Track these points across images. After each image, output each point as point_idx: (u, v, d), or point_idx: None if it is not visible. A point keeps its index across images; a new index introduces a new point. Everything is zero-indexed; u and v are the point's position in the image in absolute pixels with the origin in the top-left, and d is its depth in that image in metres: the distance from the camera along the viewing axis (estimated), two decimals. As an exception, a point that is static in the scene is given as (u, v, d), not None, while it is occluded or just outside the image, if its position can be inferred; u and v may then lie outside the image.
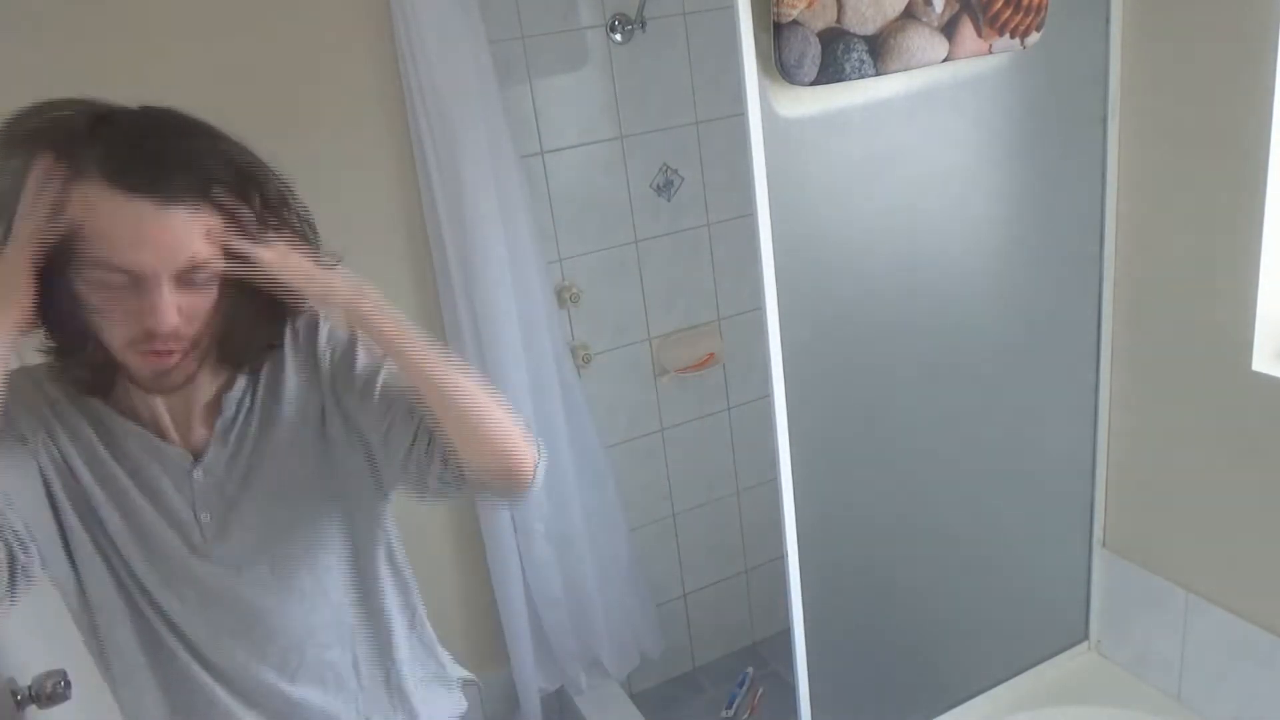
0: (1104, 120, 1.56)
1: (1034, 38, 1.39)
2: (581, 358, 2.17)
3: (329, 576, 1.05)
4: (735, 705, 2.43)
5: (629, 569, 2.18)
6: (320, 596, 1.04)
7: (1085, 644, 1.89)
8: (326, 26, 1.68)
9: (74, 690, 1.11)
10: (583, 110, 2.05)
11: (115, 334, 0.85)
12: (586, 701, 2.18)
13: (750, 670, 2.54)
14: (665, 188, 2.18)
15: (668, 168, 2.17)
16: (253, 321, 0.95)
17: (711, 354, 2.32)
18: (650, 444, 2.35)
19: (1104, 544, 1.81)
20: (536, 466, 0.96)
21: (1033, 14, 1.36)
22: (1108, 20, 1.51)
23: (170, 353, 0.86)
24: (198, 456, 0.98)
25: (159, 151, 0.83)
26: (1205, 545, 1.62)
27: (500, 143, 1.75)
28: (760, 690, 2.48)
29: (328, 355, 1.02)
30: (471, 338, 1.82)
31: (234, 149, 0.89)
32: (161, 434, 0.97)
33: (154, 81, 1.55)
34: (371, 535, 1.08)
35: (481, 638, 2.15)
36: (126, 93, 0.88)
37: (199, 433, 0.98)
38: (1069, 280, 1.64)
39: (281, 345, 1.02)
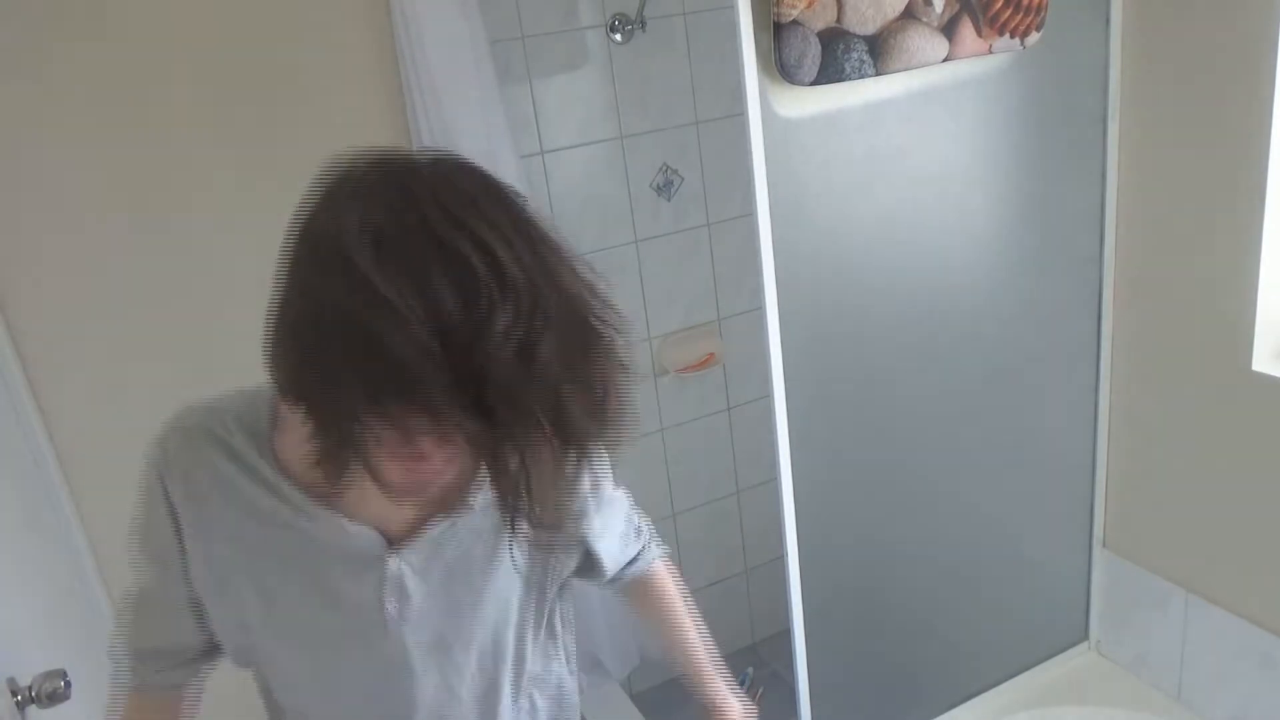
0: (1104, 120, 1.56)
1: (1034, 38, 1.39)
2: (581, 358, 2.17)
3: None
4: (735, 705, 2.43)
5: (629, 569, 2.18)
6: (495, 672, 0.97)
7: (1085, 644, 1.89)
8: (326, 27, 1.68)
9: (74, 690, 1.11)
10: (583, 110, 2.05)
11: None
12: (586, 701, 2.17)
13: (750, 670, 2.54)
14: (665, 188, 2.18)
15: (668, 168, 2.17)
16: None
17: (711, 354, 2.32)
18: (650, 444, 2.35)
19: (1104, 544, 1.81)
20: None
21: (1033, 14, 1.36)
22: (1108, 20, 1.50)
23: (427, 464, 0.71)
24: (395, 542, 0.86)
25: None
26: (1205, 545, 1.62)
27: (500, 143, 1.75)
28: (760, 690, 2.48)
29: None
30: (471, 338, 1.81)
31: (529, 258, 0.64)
32: (360, 504, 0.84)
33: (153, 81, 1.56)
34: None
35: (481, 638, 2.15)
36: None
37: (404, 513, 0.87)
38: (1069, 280, 1.64)
39: None
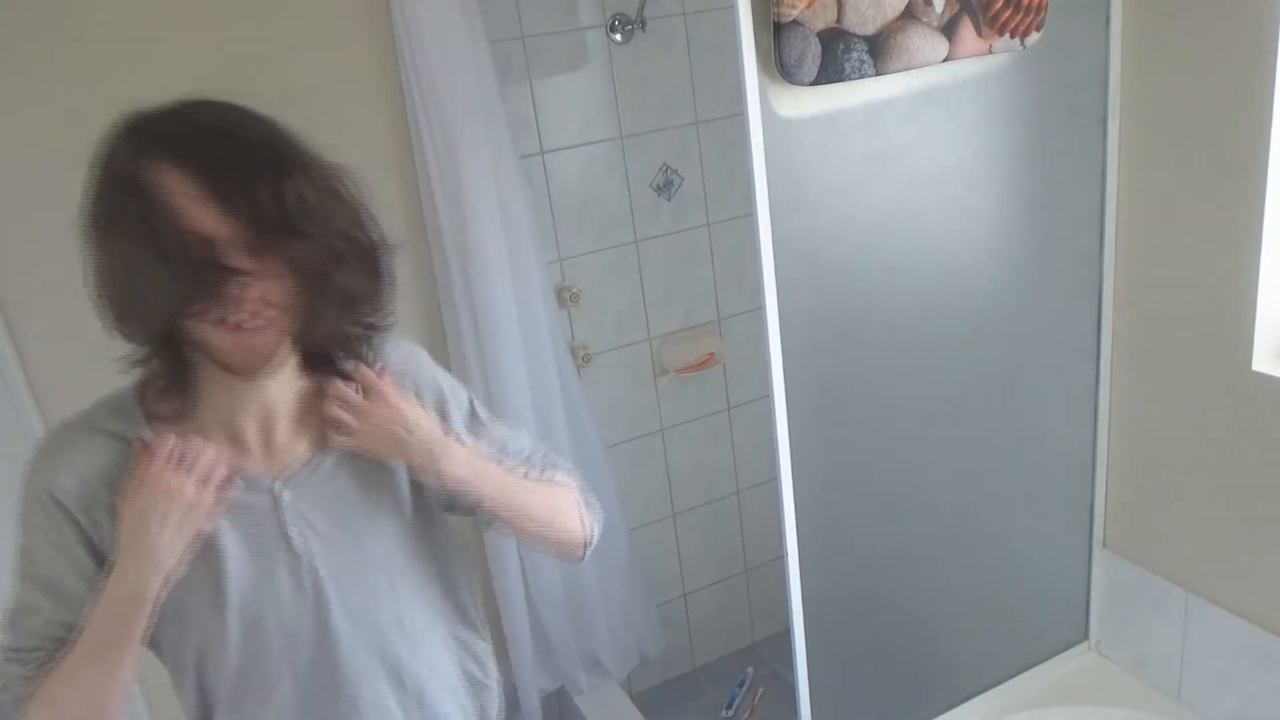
0: (1104, 120, 1.56)
1: (1034, 38, 1.39)
2: (581, 358, 2.17)
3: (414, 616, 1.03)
4: (735, 705, 2.43)
5: (629, 569, 2.18)
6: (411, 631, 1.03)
7: (1085, 644, 1.89)
8: (326, 26, 1.68)
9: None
10: (583, 110, 2.05)
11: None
12: (586, 701, 2.18)
13: (750, 670, 2.54)
14: (665, 188, 2.19)
15: (668, 168, 2.17)
16: (333, 314, 0.92)
17: (711, 354, 2.32)
18: (650, 444, 2.35)
19: (1104, 544, 1.81)
20: (587, 545, 1.11)
21: (1033, 14, 1.36)
22: (1108, 20, 1.50)
23: (254, 328, 0.86)
24: (279, 475, 0.96)
25: (210, 130, 0.87)
26: (1205, 545, 1.62)
27: (500, 143, 1.75)
28: (760, 690, 2.48)
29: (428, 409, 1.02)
30: (471, 337, 1.82)
31: (267, 130, 0.90)
32: (240, 450, 0.95)
33: (152, 81, 1.56)
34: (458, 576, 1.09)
35: (481, 638, 2.15)
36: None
37: (286, 450, 0.97)
38: (1069, 280, 1.64)
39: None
